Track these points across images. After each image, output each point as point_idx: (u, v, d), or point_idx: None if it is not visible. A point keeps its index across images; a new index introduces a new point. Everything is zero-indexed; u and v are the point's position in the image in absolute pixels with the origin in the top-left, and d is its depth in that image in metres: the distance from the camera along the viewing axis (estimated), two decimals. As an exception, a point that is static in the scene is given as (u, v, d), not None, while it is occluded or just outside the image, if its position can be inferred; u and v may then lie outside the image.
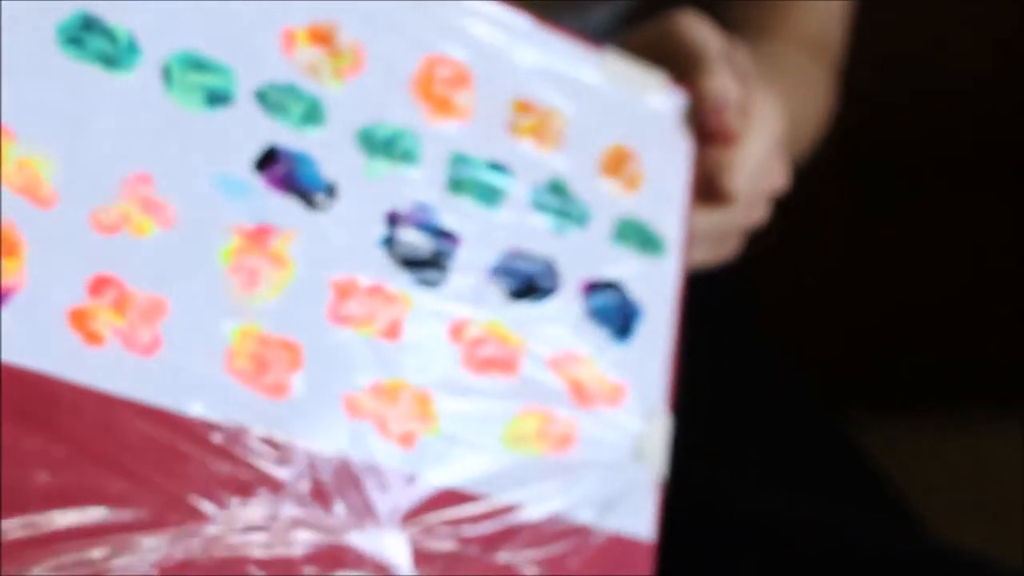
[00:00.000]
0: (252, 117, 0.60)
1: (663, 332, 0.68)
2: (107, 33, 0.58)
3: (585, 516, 0.66)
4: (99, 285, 0.57)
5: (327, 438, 0.61)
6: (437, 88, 0.64)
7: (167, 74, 0.59)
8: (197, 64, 0.60)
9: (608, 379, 0.67)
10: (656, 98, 0.69)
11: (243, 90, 0.60)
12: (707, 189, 0.70)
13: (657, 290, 0.69)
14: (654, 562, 0.67)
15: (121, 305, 0.58)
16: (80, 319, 0.57)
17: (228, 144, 0.60)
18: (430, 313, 0.63)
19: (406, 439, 0.62)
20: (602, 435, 0.66)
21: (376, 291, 0.62)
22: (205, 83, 0.60)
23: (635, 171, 0.69)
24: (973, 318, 1.53)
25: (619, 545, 0.66)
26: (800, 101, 0.82)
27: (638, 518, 0.67)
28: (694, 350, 0.70)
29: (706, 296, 0.72)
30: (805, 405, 0.80)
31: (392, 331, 0.63)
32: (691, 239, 0.70)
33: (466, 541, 0.63)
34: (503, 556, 0.64)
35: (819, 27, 0.90)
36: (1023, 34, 1.48)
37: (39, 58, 0.57)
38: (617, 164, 0.68)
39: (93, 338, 0.57)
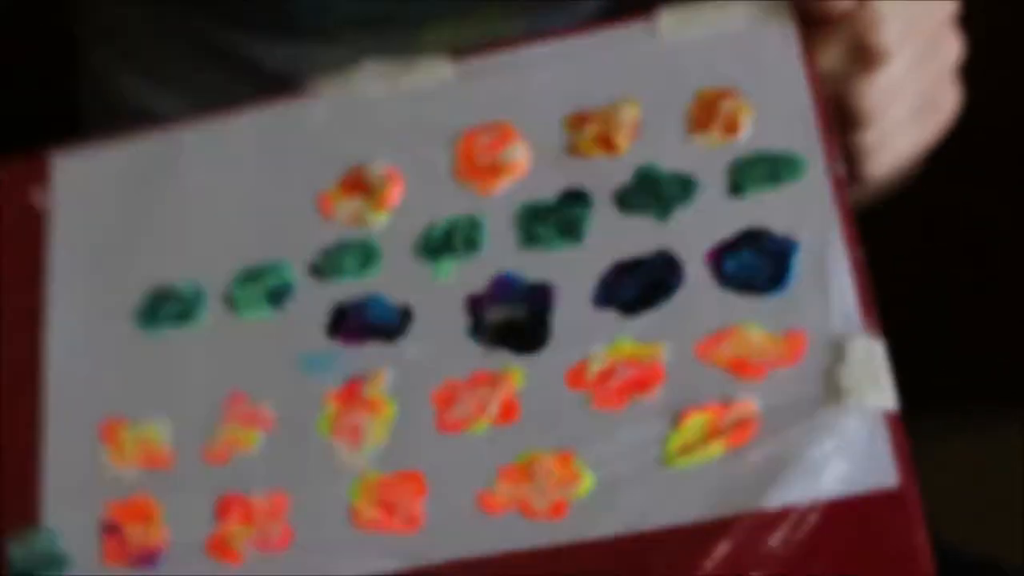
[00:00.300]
0: (314, 291, 0.62)
1: (832, 251, 0.57)
2: (174, 295, 0.64)
3: (805, 493, 0.55)
4: (225, 508, 0.61)
5: (471, 542, 0.58)
6: (481, 159, 0.62)
7: (232, 301, 0.63)
8: (253, 275, 0.63)
9: (776, 336, 0.57)
10: (726, 20, 0.60)
11: (299, 272, 0.62)
12: (856, 54, 0.59)
13: (809, 211, 0.57)
14: (915, 508, 0.53)
15: (248, 517, 0.60)
16: (217, 547, 0.61)
17: (300, 327, 0.62)
18: (542, 373, 0.59)
19: (557, 509, 0.57)
20: (788, 398, 0.56)
21: (478, 380, 0.59)
22: (265, 288, 0.63)
23: (730, 108, 0.59)
24: (973, 318, 1.45)
25: (865, 505, 0.54)
26: None
27: (870, 467, 0.54)
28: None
29: None
30: None
31: (508, 411, 0.59)
32: (873, 120, 0.58)
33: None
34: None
35: None
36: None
37: (126, 347, 0.64)
38: (706, 113, 0.60)
39: (232, 557, 0.60)
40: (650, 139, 0.60)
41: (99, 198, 0.66)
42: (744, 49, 0.59)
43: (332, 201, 0.62)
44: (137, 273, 0.64)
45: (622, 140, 0.60)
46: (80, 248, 0.65)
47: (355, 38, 0.76)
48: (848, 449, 0.53)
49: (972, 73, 0.62)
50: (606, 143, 0.60)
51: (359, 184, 0.62)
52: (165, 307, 0.63)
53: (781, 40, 0.59)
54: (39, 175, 0.67)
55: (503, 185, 0.61)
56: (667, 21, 0.60)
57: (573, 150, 0.60)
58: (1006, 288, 1.48)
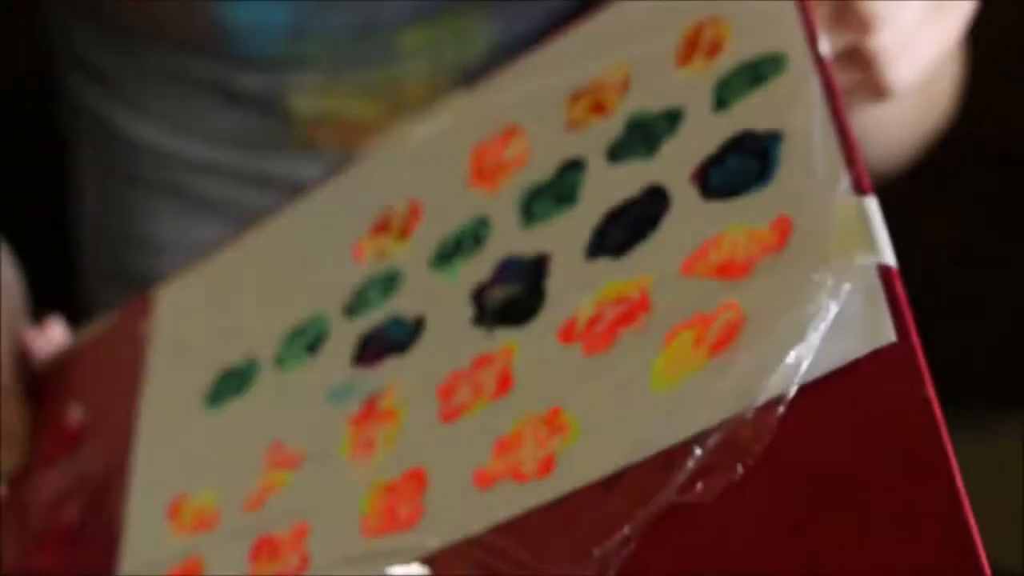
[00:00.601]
0: (345, 329, 0.60)
1: (817, 129, 0.51)
2: (234, 372, 0.63)
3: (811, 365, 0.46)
4: (258, 551, 0.57)
5: (469, 523, 0.52)
6: (490, 164, 0.60)
7: (281, 362, 0.62)
8: (298, 333, 0.62)
9: (762, 226, 0.50)
10: None
11: (334, 317, 0.61)
12: None
13: (794, 99, 0.52)
14: (916, 362, 0.45)
15: (275, 553, 0.57)
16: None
17: (330, 364, 0.60)
18: (536, 339, 0.54)
19: (545, 466, 0.51)
20: (774, 287, 0.49)
21: (479, 363, 0.55)
22: (307, 340, 0.61)
23: (712, 34, 0.55)
24: (973, 318, 1.45)
25: (865, 367, 0.46)
26: None
27: (866, 329, 0.46)
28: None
29: None
30: None
31: (503, 384, 0.54)
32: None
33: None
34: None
35: None
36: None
37: (195, 428, 0.63)
38: (691, 47, 0.56)
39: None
40: (638, 90, 0.56)
41: (188, 312, 0.67)
42: None
43: (364, 247, 0.61)
44: (210, 360, 0.63)
45: (612, 99, 0.56)
46: (169, 356, 0.66)
47: (333, 52, 0.76)
48: (843, 317, 0.45)
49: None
50: (599, 108, 0.56)
51: (387, 225, 0.61)
52: (227, 384, 0.62)
53: None
54: (145, 309, 0.68)
55: (508, 180, 0.58)
56: None
57: (570, 125, 0.57)
58: (1006, 287, 1.44)
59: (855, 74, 0.55)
